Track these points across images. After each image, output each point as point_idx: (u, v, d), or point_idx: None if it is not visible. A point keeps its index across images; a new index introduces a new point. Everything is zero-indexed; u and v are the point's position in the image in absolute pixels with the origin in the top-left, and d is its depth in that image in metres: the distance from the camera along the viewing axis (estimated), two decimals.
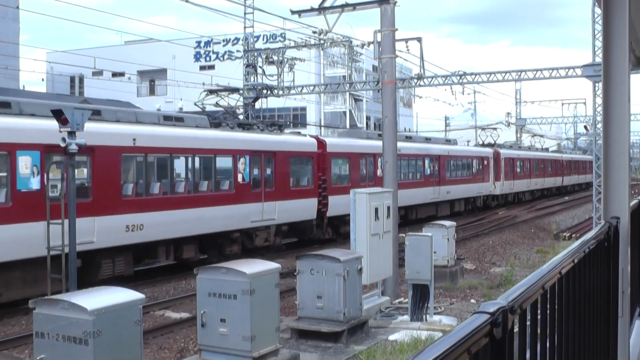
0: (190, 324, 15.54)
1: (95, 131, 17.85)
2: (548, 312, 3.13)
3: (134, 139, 19.98)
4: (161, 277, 21.90)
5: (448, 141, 47.26)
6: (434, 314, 15.42)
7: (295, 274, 13.84)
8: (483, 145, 54.88)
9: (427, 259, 15.05)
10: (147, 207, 20.31)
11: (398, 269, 18.06)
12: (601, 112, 5.89)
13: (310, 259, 13.42)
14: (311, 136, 30.93)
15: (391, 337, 13.46)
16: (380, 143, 28.18)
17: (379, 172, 31.45)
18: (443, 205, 41.23)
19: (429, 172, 39.09)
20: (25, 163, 16.75)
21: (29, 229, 16.48)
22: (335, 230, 29.92)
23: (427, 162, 39.04)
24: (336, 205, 28.50)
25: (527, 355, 2.78)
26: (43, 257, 15.69)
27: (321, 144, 29.47)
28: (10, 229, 16.31)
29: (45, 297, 9.47)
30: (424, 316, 15.03)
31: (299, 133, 33.17)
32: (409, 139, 39.86)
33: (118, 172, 19.54)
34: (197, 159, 22.88)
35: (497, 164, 49.77)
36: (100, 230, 18.43)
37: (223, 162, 24.02)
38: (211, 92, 30.22)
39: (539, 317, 2.98)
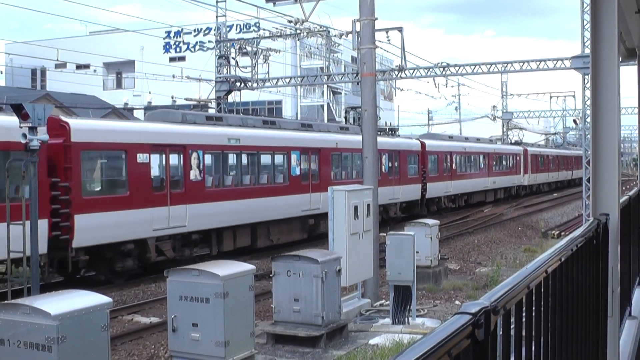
0: (161, 329, 15.50)
1: (320, 138, 31.49)
2: (534, 312, 3.15)
3: (337, 143, 32.39)
4: (130, 279, 21.81)
5: (491, 141, 60.38)
6: (417, 316, 15.48)
7: (270, 275, 13.83)
8: (510, 143, 68.42)
9: (409, 259, 15.08)
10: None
11: (379, 269, 18.09)
12: (590, 106, 5.93)
13: (286, 260, 13.41)
14: (415, 138, 43.72)
15: (372, 342, 13.48)
16: (454, 143, 46.64)
17: (454, 165, 45.29)
18: (489, 193, 53.24)
19: (482, 166, 51.22)
20: (294, 158, 29.11)
21: (297, 199, 29.03)
22: (428, 209, 41.49)
23: (481, 158, 51.14)
24: (432, 189, 41.51)
25: (512, 358, 2.80)
26: (303, 216, 29.72)
27: (422, 144, 41.54)
28: (288, 199, 28.49)
29: (5, 301, 9.40)
30: (406, 319, 15.06)
31: (399, 135, 45.94)
32: (467, 139, 52.59)
33: (329, 164, 31.84)
34: (359, 156, 33.42)
35: (525, 159, 61.84)
36: (322, 201, 28.43)
37: None
38: (353, 108, 43.78)
39: (524, 318, 3.00)
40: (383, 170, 35.42)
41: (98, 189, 21.32)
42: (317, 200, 29.71)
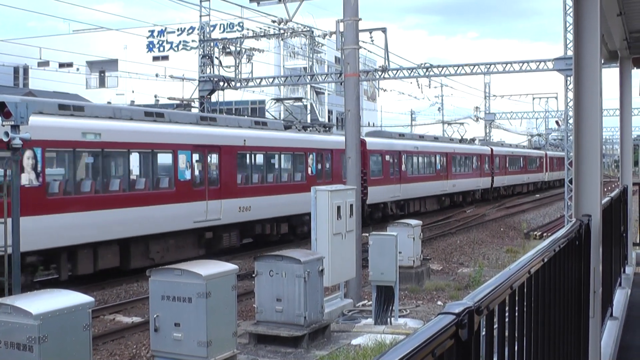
0: (143, 329, 15.45)
1: (444, 145, 47.99)
2: (517, 312, 3.16)
3: (454, 149, 48.38)
4: (112, 279, 21.71)
5: (523, 146, 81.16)
6: (399, 316, 15.50)
7: (253, 275, 13.81)
8: (533, 148, 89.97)
9: (392, 259, 15.09)
10: (456, 177, 49.25)
11: (361, 270, 18.10)
12: (573, 107, 5.94)
13: (269, 259, 13.39)
14: (483, 144, 62.99)
15: (354, 342, 13.49)
16: (505, 148, 66.86)
17: (507, 164, 62.48)
18: (524, 186, 70.58)
19: (522, 166, 69.11)
20: (438, 159, 45.90)
21: (438, 185, 45.65)
22: (493, 196, 58.57)
23: (520, 159, 68.90)
24: (496, 181, 58.60)
25: (495, 358, 2.80)
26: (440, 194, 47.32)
27: (491, 149, 58.78)
28: (435, 184, 45.03)
29: None
30: (388, 319, 15.08)
31: (475, 143, 62.57)
32: (511, 145, 71.68)
33: (451, 162, 47.70)
34: (468, 158, 52.71)
35: (545, 160, 79.17)
36: (455, 184, 47.83)
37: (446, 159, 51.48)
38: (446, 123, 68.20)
39: (507, 318, 3.00)
40: (473, 167, 53.37)
41: (374, 174, 36.62)
42: (450, 184, 47.15)
